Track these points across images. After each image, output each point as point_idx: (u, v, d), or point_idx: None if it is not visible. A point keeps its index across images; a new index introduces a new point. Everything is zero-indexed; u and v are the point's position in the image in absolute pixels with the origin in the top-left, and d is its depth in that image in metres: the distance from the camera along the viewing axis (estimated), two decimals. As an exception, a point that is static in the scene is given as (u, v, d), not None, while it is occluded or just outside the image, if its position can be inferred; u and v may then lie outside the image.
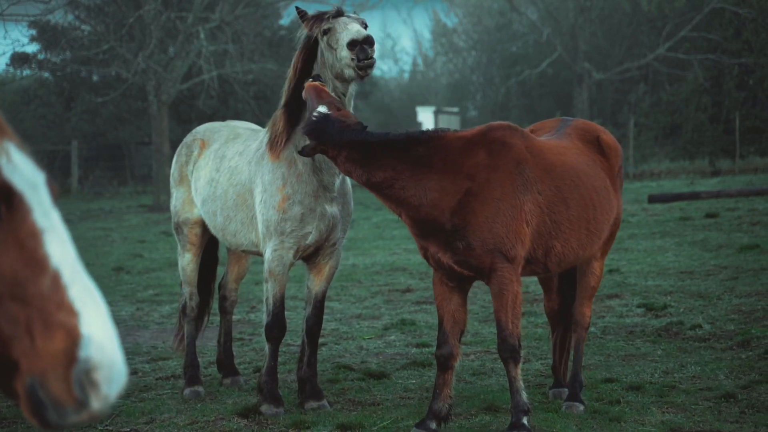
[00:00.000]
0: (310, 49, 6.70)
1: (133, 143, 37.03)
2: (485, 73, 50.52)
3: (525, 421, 5.94)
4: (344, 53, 6.35)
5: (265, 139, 6.93)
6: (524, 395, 6.01)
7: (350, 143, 5.80)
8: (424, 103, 50.93)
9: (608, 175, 6.64)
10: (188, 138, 7.82)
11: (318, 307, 6.98)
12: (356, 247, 17.07)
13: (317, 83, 6.25)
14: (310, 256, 6.92)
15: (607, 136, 6.88)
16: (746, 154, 34.21)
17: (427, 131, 6.04)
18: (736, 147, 33.16)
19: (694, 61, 38.11)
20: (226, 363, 7.83)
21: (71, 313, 2.07)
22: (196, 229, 7.64)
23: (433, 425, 6.11)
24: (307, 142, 6.05)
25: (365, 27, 6.58)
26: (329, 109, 5.94)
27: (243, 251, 7.39)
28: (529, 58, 45.53)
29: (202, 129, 7.84)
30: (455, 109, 48.44)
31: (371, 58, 6.34)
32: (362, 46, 6.29)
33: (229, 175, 7.17)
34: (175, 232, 7.81)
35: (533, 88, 46.07)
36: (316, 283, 6.99)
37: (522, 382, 6.04)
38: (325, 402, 6.87)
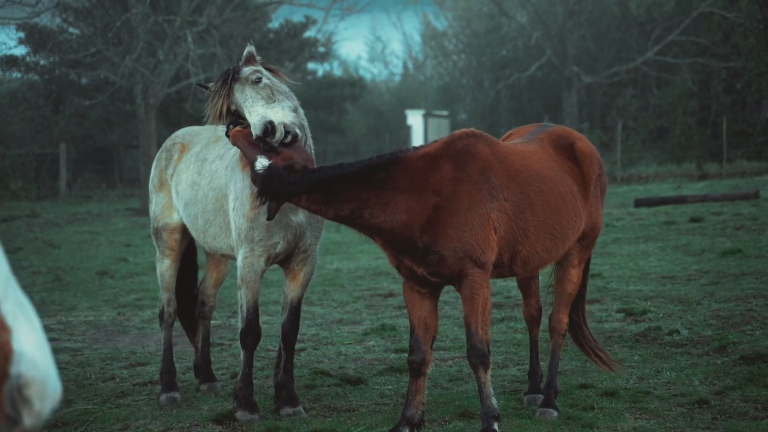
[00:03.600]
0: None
1: (122, 146, 37.01)
2: (475, 76, 50.61)
3: (496, 427, 5.95)
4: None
5: (240, 147, 6.92)
6: (494, 401, 6.01)
7: (306, 189, 5.76)
8: (414, 106, 50.97)
9: (578, 182, 6.61)
10: (168, 142, 7.77)
11: (294, 312, 6.96)
12: (341, 251, 17.07)
13: (238, 129, 6.05)
14: (284, 261, 6.91)
15: (583, 144, 6.82)
16: (733, 158, 34.32)
17: (383, 155, 5.98)
18: (723, 151, 33.26)
19: (682, 65, 38.27)
20: (203, 368, 7.82)
21: (3, 328, 2.05)
22: (175, 234, 7.59)
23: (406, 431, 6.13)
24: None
25: (258, 81, 6.39)
26: (269, 158, 5.81)
27: (222, 255, 7.36)
28: (519, 61, 45.65)
29: (182, 133, 7.80)
30: (445, 113, 48.47)
31: (284, 139, 6.08)
32: (265, 140, 6.07)
33: (210, 178, 7.14)
34: (154, 238, 7.75)
35: (522, 91, 46.19)
36: (291, 289, 6.98)
37: (491, 388, 6.04)
38: (300, 408, 6.87)
